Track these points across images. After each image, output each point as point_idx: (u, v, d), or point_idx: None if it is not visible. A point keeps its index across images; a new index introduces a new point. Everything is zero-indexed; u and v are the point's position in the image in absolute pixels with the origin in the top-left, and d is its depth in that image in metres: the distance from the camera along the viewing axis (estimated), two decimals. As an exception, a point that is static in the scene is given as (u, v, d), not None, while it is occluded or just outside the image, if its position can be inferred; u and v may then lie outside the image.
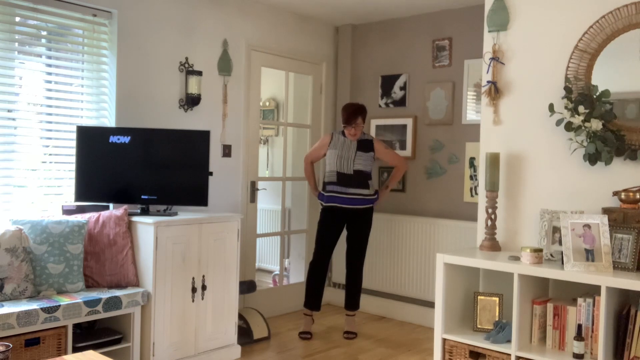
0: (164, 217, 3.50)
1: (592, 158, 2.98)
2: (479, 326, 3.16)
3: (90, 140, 3.55)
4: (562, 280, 2.91)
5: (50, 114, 3.61)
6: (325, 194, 4.36)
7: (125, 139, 3.54)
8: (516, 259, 2.97)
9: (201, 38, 4.31)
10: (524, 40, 3.32)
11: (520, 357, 2.85)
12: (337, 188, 4.29)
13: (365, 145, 4.34)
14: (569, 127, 3.03)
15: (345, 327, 4.51)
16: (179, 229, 3.52)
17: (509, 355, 2.88)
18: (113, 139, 3.55)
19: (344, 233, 4.49)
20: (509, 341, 2.91)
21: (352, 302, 4.51)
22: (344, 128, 4.32)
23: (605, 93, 2.96)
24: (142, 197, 3.62)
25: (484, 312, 3.16)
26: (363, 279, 4.58)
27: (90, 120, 3.78)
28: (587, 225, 2.73)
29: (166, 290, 3.47)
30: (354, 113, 4.28)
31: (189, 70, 4.18)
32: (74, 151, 3.59)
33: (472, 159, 4.54)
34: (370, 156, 4.33)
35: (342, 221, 4.42)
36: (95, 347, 3.13)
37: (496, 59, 3.39)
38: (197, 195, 3.71)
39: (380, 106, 5.16)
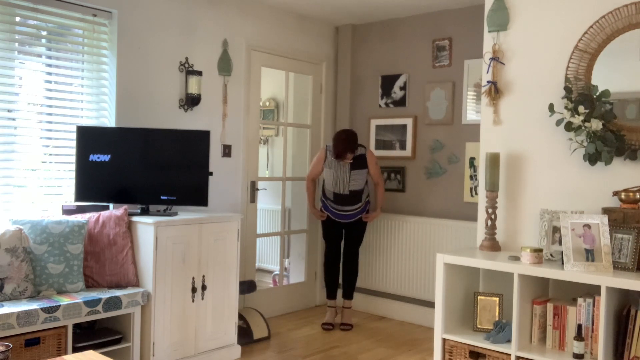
0: (164, 217, 3.50)
1: (592, 158, 2.98)
2: (479, 326, 3.16)
3: (90, 140, 3.56)
4: (562, 280, 2.91)
5: (50, 114, 3.61)
6: (326, 204, 4.60)
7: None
8: (516, 259, 2.97)
9: (201, 38, 4.31)
10: (524, 40, 3.32)
11: (520, 357, 2.86)
12: (335, 205, 4.55)
13: (358, 162, 4.47)
14: (569, 127, 3.03)
15: (341, 319, 4.64)
16: (179, 229, 3.52)
17: (509, 355, 2.88)
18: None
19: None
20: (509, 341, 2.91)
21: (348, 291, 4.72)
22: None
23: (605, 93, 2.96)
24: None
25: (484, 312, 3.16)
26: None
27: (90, 120, 3.78)
28: (587, 225, 2.73)
29: (166, 290, 3.47)
30: (343, 150, 4.35)
31: (189, 70, 4.18)
32: (74, 151, 3.59)
33: (472, 159, 4.53)
34: (364, 172, 4.50)
35: (341, 226, 4.66)
36: (95, 347, 3.13)
37: (496, 59, 3.38)
38: (197, 195, 3.71)
39: (380, 106, 5.16)
